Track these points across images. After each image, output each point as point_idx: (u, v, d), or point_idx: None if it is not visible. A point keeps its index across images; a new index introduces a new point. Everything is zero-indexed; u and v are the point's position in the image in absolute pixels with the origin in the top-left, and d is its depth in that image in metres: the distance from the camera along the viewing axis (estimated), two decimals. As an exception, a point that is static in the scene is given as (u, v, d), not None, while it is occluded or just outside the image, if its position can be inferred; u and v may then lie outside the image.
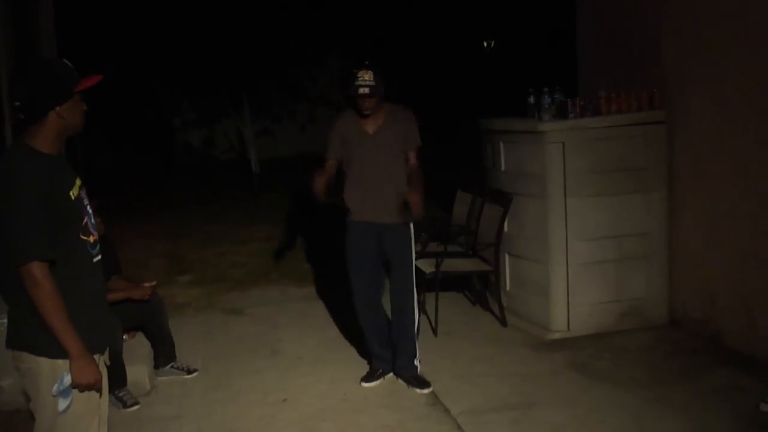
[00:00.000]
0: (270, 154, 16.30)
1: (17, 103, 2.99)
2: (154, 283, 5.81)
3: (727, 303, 5.70)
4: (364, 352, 5.74)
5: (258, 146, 15.18)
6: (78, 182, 3.12)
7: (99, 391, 3.11)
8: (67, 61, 3.08)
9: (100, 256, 3.20)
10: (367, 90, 5.04)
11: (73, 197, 3.03)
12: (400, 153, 5.27)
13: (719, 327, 5.74)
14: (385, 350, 5.49)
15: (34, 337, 2.99)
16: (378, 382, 5.45)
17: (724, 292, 5.73)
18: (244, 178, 15.15)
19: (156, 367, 5.76)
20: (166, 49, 14.61)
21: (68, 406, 3.02)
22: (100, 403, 3.18)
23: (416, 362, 5.40)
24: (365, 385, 5.42)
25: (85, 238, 3.08)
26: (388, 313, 5.54)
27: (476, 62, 18.36)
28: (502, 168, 6.52)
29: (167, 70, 15.69)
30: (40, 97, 2.98)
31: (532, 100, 6.29)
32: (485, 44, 19.05)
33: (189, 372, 5.77)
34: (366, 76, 5.04)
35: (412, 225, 5.33)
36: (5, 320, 3.14)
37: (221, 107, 16.75)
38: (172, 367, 5.78)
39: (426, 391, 5.25)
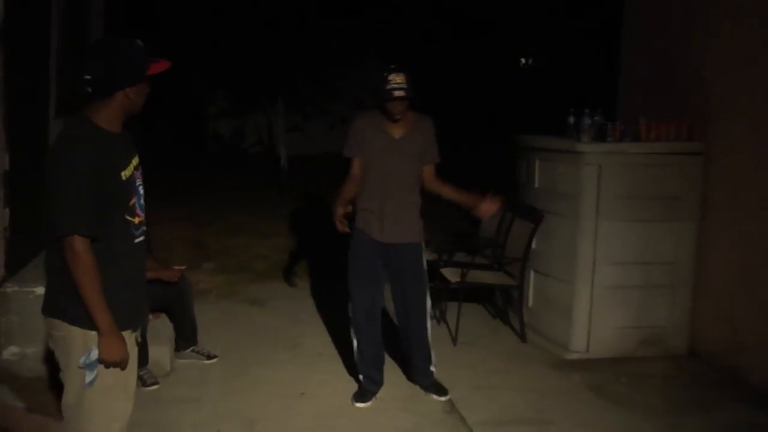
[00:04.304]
0: (297, 151, 16.34)
1: (88, 77, 3.01)
2: (184, 267, 5.88)
3: (750, 340, 5.69)
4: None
5: (286, 142, 15.19)
6: (134, 162, 3.16)
7: (125, 368, 3.13)
8: (141, 43, 3.10)
9: (143, 237, 3.24)
10: (402, 92, 4.85)
11: (124, 177, 3.06)
12: (419, 165, 5.09)
13: (739, 362, 5.73)
14: (378, 372, 5.28)
15: (70, 306, 3.02)
16: (371, 402, 5.21)
17: (747, 328, 5.72)
18: (271, 172, 15.20)
19: (177, 349, 5.83)
20: (208, 42, 14.70)
21: (93, 380, 3.04)
22: (128, 378, 3.21)
23: (432, 368, 5.35)
24: (359, 405, 5.16)
25: (130, 219, 3.11)
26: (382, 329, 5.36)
27: (511, 78, 18.38)
28: (536, 185, 6.54)
29: (208, 61, 15.74)
30: (114, 76, 3.01)
31: (571, 120, 6.28)
32: (523, 61, 19.06)
33: (209, 357, 5.84)
34: (398, 79, 4.84)
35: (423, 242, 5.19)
36: (37, 289, 3.18)
37: (255, 101, 16.81)
38: (192, 350, 5.85)
39: (444, 398, 5.25)
